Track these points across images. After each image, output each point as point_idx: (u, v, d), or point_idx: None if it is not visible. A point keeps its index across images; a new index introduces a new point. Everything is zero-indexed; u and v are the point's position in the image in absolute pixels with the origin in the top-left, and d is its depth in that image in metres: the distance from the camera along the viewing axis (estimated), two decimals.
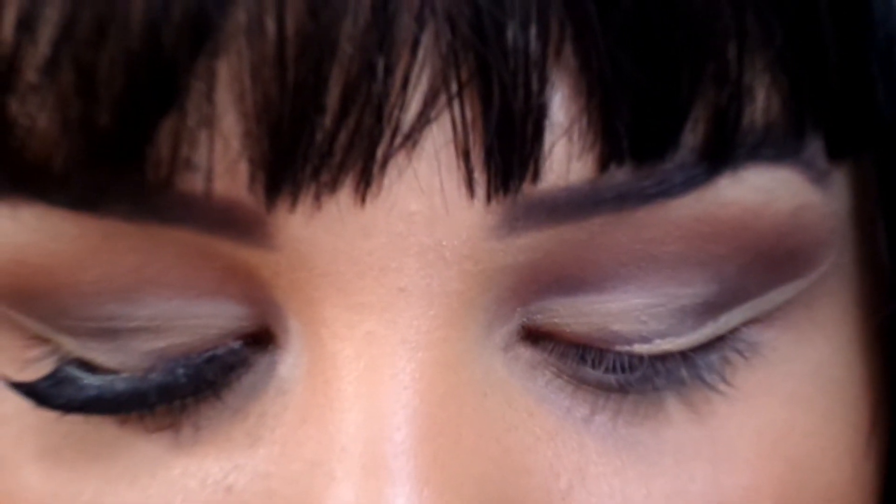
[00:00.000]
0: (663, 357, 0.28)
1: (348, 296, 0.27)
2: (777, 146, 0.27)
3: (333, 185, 0.26)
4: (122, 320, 0.28)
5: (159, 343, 0.28)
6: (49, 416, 0.29)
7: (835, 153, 0.29)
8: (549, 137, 0.26)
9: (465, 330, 0.27)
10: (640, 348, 0.28)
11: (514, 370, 0.28)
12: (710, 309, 0.28)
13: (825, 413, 0.30)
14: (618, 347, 0.28)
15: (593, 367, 0.28)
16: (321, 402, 0.27)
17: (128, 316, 0.28)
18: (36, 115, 0.26)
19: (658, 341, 0.28)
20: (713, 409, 0.29)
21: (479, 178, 0.26)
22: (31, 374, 0.29)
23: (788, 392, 0.29)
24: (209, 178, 0.26)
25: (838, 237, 0.30)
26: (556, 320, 0.28)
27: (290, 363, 0.28)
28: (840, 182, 0.30)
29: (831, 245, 0.29)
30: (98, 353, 0.28)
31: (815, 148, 0.28)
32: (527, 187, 0.26)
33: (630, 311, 0.28)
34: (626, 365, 0.28)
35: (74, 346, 0.29)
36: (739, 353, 0.29)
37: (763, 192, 0.28)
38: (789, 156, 0.28)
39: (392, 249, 0.27)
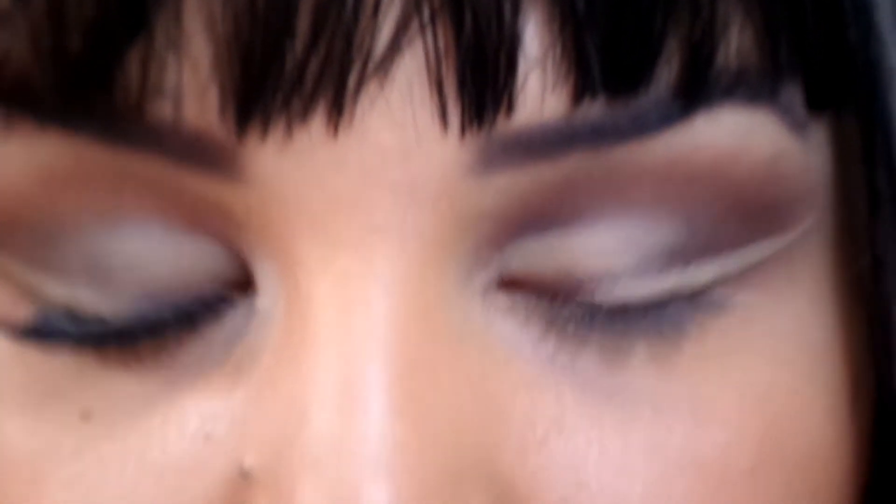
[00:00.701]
0: (631, 305, 0.28)
1: (322, 233, 0.27)
2: (752, 86, 0.27)
3: (304, 114, 0.26)
4: (104, 256, 0.28)
5: (144, 282, 0.28)
6: (32, 368, 0.29)
7: (813, 102, 0.28)
8: (522, 68, 0.26)
9: (443, 274, 0.27)
10: (608, 288, 0.28)
11: (492, 317, 0.28)
12: (678, 256, 0.28)
13: (806, 373, 0.30)
14: (587, 286, 0.28)
15: (570, 314, 0.28)
16: (296, 342, 0.27)
17: (110, 251, 0.28)
18: (10, 41, 0.26)
19: (625, 281, 0.28)
20: (689, 364, 0.29)
21: (453, 110, 0.26)
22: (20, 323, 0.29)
23: (769, 351, 0.29)
24: (178, 104, 0.26)
25: (818, 195, 0.29)
26: (530, 262, 0.28)
27: (267, 304, 0.28)
28: (820, 138, 0.29)
29: (810, 202, 0.29)
30: (84, 297, 0.28)
31: (792, 93, 0.28)
32: (501, 121, 0.26)
33: (600, 251, 0.28)
34: (600, 309, 0.28)
35: (60, 292, 0.29)
36: (714, 309, 0.29)
37: (739, 135, 0.27)
38: (765, 97, 0.27)
39: (365, 185, 0.26)
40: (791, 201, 0.29)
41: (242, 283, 0.28)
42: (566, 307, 0.28)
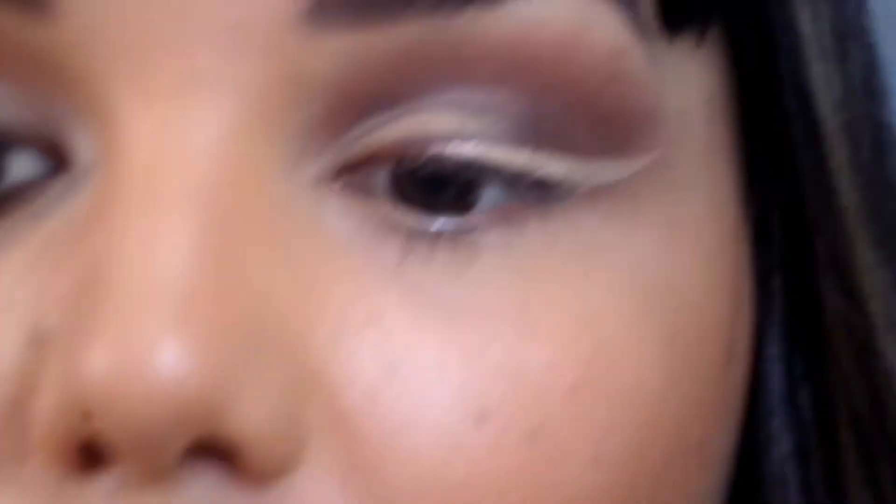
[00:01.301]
0: (480, 175, 0.27)
1: (138, 78, 0.26)
2: None
3: None
4: None
5: None
6: None
7: (665, 14, 0.28)
8: None
9: (269, 143, 0.26)
10: (453, 148, 0.27)
11: (322, 210, 0.27)
12: (528, 137, 0.27)
13: (640, 310, 0.29)
14: (433, 149, 0.27)
15: (413, 223, 0.27)
16: (107, 197, 0.26)
17: None
18: None
19: (475, 141, 0.27)
20: (525, 280, 0.28)
21: None
22: None
23: (605, 281, 0.28)
24: None
25: (668, 128, 0.29)
26: (368, 142, 0.27)
27: (85, 163, 0.27)
28: (677, 72, 0.29)
29: (658, 127, 0.28)
30: None
31: None
32: None
33: (446, 120, 0.27)
34: (444, 174, 0.27)
35: None
36: (558, 225, 0.28)
37: (580, 17, 0.27)
38: None
39: (184, 25, 0.25)
40: (636, 114, 0.28)
41: (62, 147, 0.27)
42: (409, 215, 0.27)
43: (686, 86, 0.29)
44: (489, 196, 0.28)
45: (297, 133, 0.26)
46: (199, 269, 0.25)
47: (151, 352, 0.24)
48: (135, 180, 0.25)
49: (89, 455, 0.25)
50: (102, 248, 0.25)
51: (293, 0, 0.25)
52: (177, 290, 0.25)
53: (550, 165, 0.27)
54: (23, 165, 0.27)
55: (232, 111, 0.26)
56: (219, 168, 0.25)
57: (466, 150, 0.27)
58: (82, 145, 0.27)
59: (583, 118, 0.27)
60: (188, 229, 0.25)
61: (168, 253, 0.25)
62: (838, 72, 0.31)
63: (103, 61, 0.26)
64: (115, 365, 0.24)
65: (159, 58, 0.25)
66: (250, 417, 0.25)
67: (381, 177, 0.27)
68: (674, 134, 0.29)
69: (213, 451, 0.25)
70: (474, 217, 0.27)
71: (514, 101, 0.27)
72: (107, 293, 0.25)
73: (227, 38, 0.25)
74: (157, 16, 0.25)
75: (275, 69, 0.26)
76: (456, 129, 0.27)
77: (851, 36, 0.32)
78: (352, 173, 0.27)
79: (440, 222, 0.27)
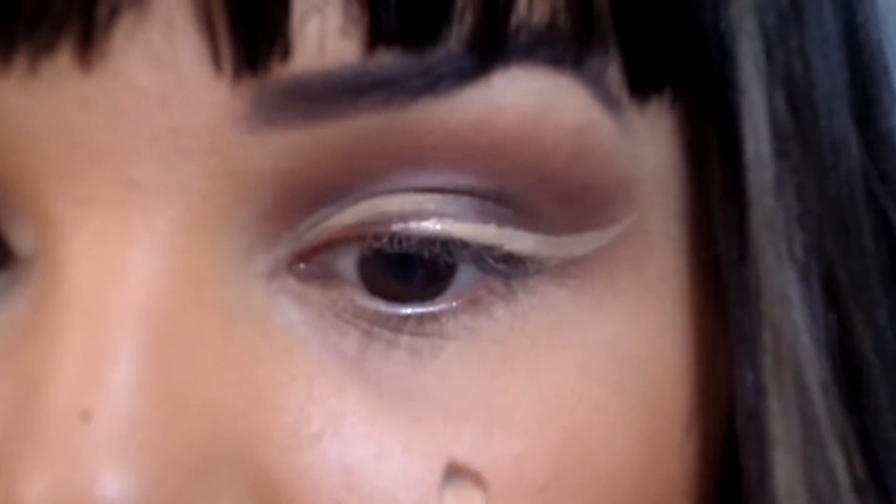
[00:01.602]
0: (447, 251, 0.26)
1: (75, 186, 0.24)
2: (556, 49, 0.25)
3: (51, 46, 0.23)
4: None
5: None
6: None
7: (635, 82, 0.26)
8: (299, 7, 0.24)
9: (216, 243, 0.25)
10: (416, 226, 0.26)
11: (276, 302, 0.26)
12: (492, 215, 0.26)
13: (617, 388, 0.27)
14: (394, 227, 0.26)
15: (374, 312, 0.26)
16: (46, 311, 0.24)
17: None
18: None
19: (435, 219, 0.26)
20: (492, 368, 0.26)
21: (224, 51, 0.24)
22: None
23: (578, 361, 0.27)
24: None
25: (642, 194, 0.27)
26: (325, 227, 0.26)
27: (21, 273, 0.25)
28: (643, 133, 0.27)
29: (631, 196, 0.27)
30: None
31: (604, 64, 0.26)
32: (277, 66, 0.24)
33: (405, 201, 0.26)
34: (410, 253, 0.26)
35: None
36: (528, 307, 0.27)
37: (542, 98, 0.25)
38: (570, 63, 0.25)
39: (121, 130, 0.24)
40: (608, 186, 0.26)
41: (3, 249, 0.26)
42: (375, 300, 0.26)
43: (660, 145, 0.28)
44: (459, 279, 0.26)
45: (246, 228, 0.25)
46: (142, 391, 0.23)
47: (91, 485, 0.23)
48: (74, 295, 0.24)
49: None
50: (41, 364, 0.24)
51: (233, 102, 0.24)
52: (119, 416, 0.23)
53: (517, 242, 0.26)
54: None
55: (173, 217, 0.24)
56: (162, 278, 0.24)
57: (429, 226, 0.26)
58: (23, 242, 0.25)
59: (550, 196, 0.26)
60: (131, 348, 0.24)
61: (110, 375, 0.23)
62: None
63: (39, 166, 0.24)
64: (52, 497, 0.23)
65: (96, 166, 0.24)
66: None
67: (348, 260, 0.26)
68: (648, 196, 0.27)
69: None
70: (441, 301, 0.26)
71: (475, 183, 0.26)
72: (44, 417, 0.23)
73: (165, 143, 0.24)
74: (90, 120, 0.24)
75: (216, 170, 0.24)
76: (415, 210, 0.26)
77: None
78: (309, 261, 0.26)
79: (408, 308, 0.26)
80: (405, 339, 0.26)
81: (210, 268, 0.25)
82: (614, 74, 0.26)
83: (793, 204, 0.28)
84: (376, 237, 0.26)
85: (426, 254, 0.26)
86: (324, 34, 0.24)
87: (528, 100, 0.25)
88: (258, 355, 0.25)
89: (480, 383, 0.26)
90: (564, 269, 0.27)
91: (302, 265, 0.26)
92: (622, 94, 0.26)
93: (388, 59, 0.24)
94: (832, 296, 0.29)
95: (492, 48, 0.25)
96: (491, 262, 0.26)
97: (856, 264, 0.29)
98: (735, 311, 0.28)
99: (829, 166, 0.29)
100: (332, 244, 0.26)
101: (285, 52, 0.24)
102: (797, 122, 0.28)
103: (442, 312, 0.26)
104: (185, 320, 0.24)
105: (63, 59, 0.23)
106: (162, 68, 0.24)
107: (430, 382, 0.26)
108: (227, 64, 0.24)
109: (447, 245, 0.26)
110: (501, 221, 0.26)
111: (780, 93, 0.28)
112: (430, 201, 0.26)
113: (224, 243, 0.25)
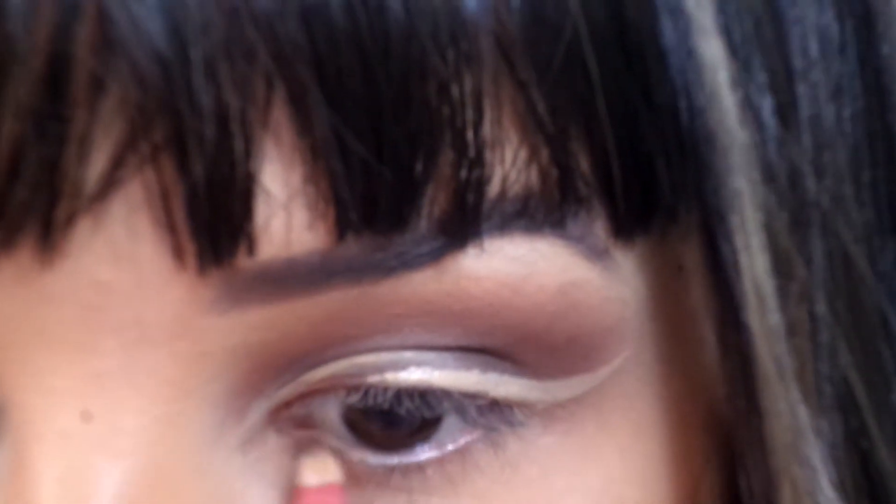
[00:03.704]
0: (429, 401, 0.25)
1: (38, 378, 0.24)
2: (533, 218, 0.24)
3: (10, 245, 0.23)
4: None
5: None
6: None
7: (619, 231, 0.25)
8: (262, 209, 0.23)
9: (186, 429, 0.24)
10: (392, 377, 0.25)
11: (252, 475, 0.25)
12: (474, 364, 0.25)
13: None
14: (369, 379, 0.25)
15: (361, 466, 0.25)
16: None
17: None
18: None
19: (412, 368, 0.25)
20: None
21: (187, 248, 0.23)
22: None
23: None
24: None
25: (633, 329, 0.26)
26: (297, 384, 0.25)
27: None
28: (632, 266, 0.26)
29: (622, 336, 0.26)
30: None
31: (587, 221, 0.25)
32: (242, 259, 0.23)
33: (379, 358, 0.25)
34: (389, 403, 0.25)
35: None
36: (515, 458, 0.26)
37: (521, 264, 0.25)
38: (549, 227, 0.25)
39: (84, 324, 0.23)
40: (598, 333, 0.26)
41: None
42: (357, 451, 0.25)
43: (648, 273, 0.27)
44: (444, 430, 0.26)
45: (216, 406, 0.25)
46: None
47: None
48: (43, 495, 0.24)
49: None
50: None
51: (199, 291, 0.23)
52: None
53: (502, 387, 0.26)
54: None
55: (140, 409, 0.24)
56: (132, 482, 0.24)
57: (406, 376, 0.25)
58: None
59: (533, 350, 0.25)
60: None
61: None
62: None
63: (3, 356, 0.24)
64: None
65: (60, 359, 0.24)
66: None
67: (331, 410, 0.26)
68: (639, 328, 0.27)
69: None
70: (426, 453, 0.26)
71: (453, 342, 0.25)
72: None
73: (131, 334, 0.24)
74: (53, 314, 0.23)
75: (186, 353, 0.24)
76: (391, 361, 0.25)
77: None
78: (288, 410, 0.25)
79: (394, 458, 0.26)
80: (388, 494, 0.25)
81: (182, 457, 0.24)
82: (599, 228, 0.25)
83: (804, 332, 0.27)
84: (352, 390, 0.25)
85: (403, 411, 0.25)
86: (289, 229, 0.23)
87: (507, 267, 0.24)
88: None
89: None
90: (552, 413, 0.26)
91: (278, 423, 0.25)
92: (608, 242, 0.25)
93: (356, 246, 0.23)
94: (848, 414, 0.28)
95: (464, 230, 0.24)
96: (474, 412, 0.26)
97: (875, 376, 0.28)
98: (746, 464, 0.27)
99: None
100: (305, 397, 0.25)
101: (250, 249, 0.23)
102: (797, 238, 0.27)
103: (428, 463, 0.26)
104: None
105: (24, 257, 0.23)
106: (123, 264, 0.23)
107: None
108: (191, 258, 0.23)
109: (426, 397, 0.25)
110: (485, 367, 0.25)
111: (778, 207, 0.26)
112: (406, 354, 0.25)
113: (194, 428, 0.24)
